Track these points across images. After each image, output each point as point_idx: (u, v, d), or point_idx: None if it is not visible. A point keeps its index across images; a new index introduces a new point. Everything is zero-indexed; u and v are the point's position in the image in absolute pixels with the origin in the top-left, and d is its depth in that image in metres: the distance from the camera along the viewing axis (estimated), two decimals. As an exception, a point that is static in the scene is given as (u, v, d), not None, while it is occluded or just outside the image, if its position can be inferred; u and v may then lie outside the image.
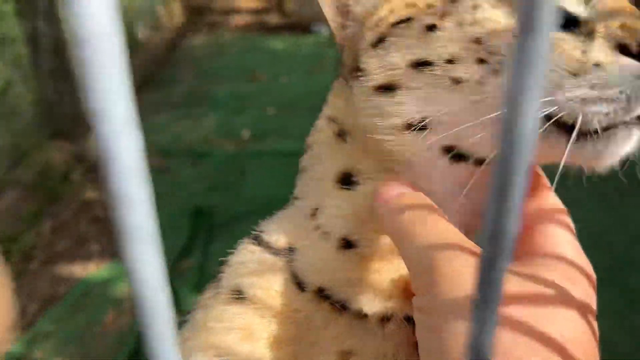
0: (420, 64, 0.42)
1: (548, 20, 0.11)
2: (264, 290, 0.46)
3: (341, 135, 0.49)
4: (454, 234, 0.39)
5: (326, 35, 5.17)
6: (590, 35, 0.39)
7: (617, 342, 1.79)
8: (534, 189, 0.45)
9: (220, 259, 0.56)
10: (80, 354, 1.84)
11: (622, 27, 0.39)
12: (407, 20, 0.44)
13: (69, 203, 2.60)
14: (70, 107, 2.91)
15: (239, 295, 0.47)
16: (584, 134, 0.39)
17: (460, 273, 0.36)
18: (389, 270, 0.45)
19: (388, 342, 0.44)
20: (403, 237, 0.41)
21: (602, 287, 0.46)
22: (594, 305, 0.39)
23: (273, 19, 5.26)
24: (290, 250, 0.48)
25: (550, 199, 0.46)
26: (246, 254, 0.50)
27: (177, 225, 2.39)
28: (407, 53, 0.43)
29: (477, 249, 0.39)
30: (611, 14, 0.38)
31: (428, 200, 0.43)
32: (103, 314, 1.98)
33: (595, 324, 0.38)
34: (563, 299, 0.36)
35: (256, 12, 5.74)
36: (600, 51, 0.38)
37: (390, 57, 0.44)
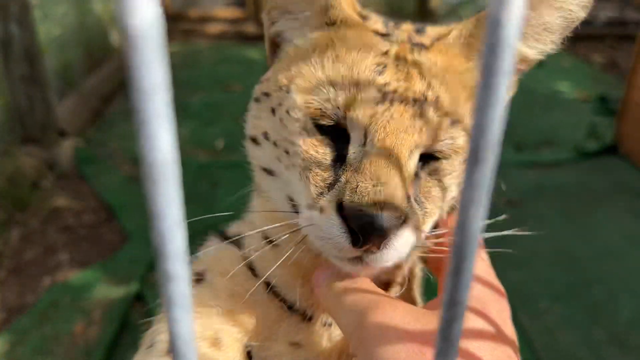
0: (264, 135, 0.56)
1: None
2: (221, 274, 0.54)
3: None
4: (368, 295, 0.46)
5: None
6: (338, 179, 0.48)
7: (580, 356, 1.86)
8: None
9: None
10: (47, 365, 1.82)
11: (353, 188, 0.45)
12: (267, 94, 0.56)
13: (37, 211, 2.56)
14: (41, 114, 2.88)
15: (198, 278, 0.56)
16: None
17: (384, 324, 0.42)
18: None
19: (332, 345, 0.49)
20: (332, 313, 0.49)
21: (566, 301, 0.50)
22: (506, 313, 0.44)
23: (249, 28, 5.28)
24: (240, 238, 0.56)
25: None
26: (209, 245, 0.62)
27: (147, 235, 2.37)
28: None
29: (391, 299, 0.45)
30: (363, 170, 0.45)
31: (347, 281, 0.49)
32: (72, 324, 1.96)
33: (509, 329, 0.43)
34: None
35: (232, 21, 5.75)
36: (327, 200, 0.47)
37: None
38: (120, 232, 2.43)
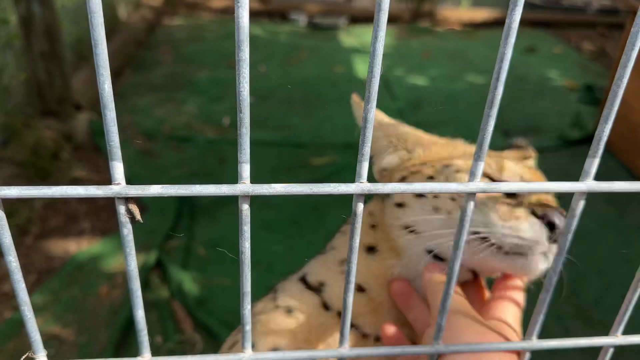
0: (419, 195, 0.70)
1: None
2: (302, 311, 0.70)
3: (373, 225, 0.74)
4: (460, 304, 0.60)
5: (303, 25, 5.35)
6: (519, 203, 0.64)
7: (549, 328, 2.11)
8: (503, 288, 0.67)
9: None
10: (77, 322, 2.05)
11: (537, 200, 0.65)
12: (417, 172, 0.71)
13: (58, 181, 2.76)
14: (59, 88, 3.05)
15: (289, 310, 0.71)
16: (506, 252, 0.64)
17: (460, 328, 0.56)
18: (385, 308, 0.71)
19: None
20: (431, 301, 0.63)
21: (557, 301, 0.71)
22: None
23: (252, 4, 5.39)
24: (321, 285, 0.72)
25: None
26: (294, 288, 0.74)
27: (163, 208, 2.59)
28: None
29: (474, 313, 0.60)
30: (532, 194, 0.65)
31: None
32: (97, 286, 2.19)
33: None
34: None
35: (235, -6, 5.84)
36: (521, 212, 0.63)
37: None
38: (137, 202, 2.63)
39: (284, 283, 0.75)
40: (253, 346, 0.63)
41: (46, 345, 0.37)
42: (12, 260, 0.34)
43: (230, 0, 5.58)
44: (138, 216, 0.32)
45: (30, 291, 2.17)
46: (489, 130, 0.32)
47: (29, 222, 2.48)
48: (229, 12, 5.50)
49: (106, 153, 3.00)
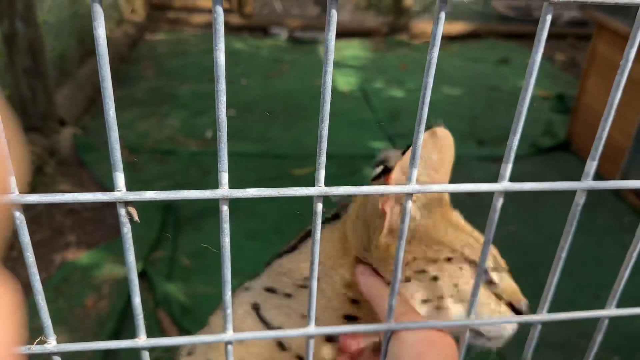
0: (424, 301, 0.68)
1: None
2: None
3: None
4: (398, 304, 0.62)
5: (284, 39, 5.45)
6: (498, 295, 0.70)
7: (523, 328, 2.19)
8: None
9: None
10: (63, 333, 2.09)
11: (511, 291, 0.71)
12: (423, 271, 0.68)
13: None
14: (43, 104, 3.09)
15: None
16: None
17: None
18: None
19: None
20: (371, 298, 0.64)
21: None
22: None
23: (233, 19, 5.48)
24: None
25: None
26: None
27: (148, 219, 2.64)
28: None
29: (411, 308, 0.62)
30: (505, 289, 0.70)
31: (376, 277, 0.66)
32: (83, 298, 2.23)
33: None
34: None
35: (216, 9, 5.92)
36: (503, 308, 0.69)
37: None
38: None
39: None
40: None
41: (31, 358, 0.44)
42: (30, 257, 0.41)
43: (212, 15, 5.66)
44: (136, 217, 0.39)
45: (17, 304, 2.20)
46: (419, 144, 0.39)
47: (15, 235, 2.51)
48: (211, 27, 5.58)
49: (90, 167, 3.04)
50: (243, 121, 3.67)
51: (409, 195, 0.42)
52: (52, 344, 0.44)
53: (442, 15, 0.35)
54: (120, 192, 0.38)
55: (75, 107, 3.52)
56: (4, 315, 0.25)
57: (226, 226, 0.41)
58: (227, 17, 5.48)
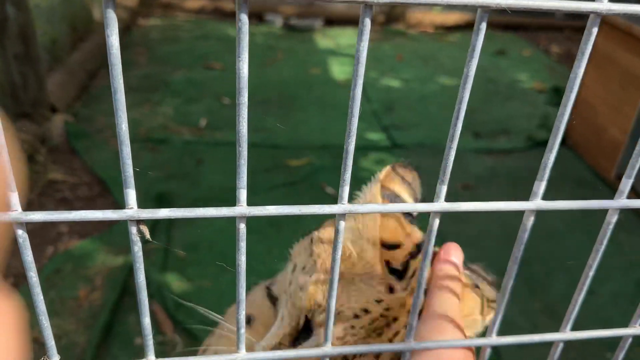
0: None
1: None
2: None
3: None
4: (452, 312, 0.57)
5: (279, 26, 5.39)
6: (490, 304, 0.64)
7: (518, 323, 2.20)
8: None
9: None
10: (56, 325, 2.06)
11: (493, 297, 0.65)
12: None
13: (34, 184, 2.75)
14: (34, 91, 3.03)
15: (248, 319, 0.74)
16: None
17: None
18: None
19: None
20: (427, 304, 0.58)
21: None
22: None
23: (227, 5, 5.41)
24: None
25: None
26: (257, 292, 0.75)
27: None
28: None
29: (459, 324, 0.58)
30: None
31: (452, 288, 0.62)
32: (76, 289, 2.20)
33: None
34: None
35: (210, -5, 5.86)
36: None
37: None
38: (114, 205, 2.65)
39: None
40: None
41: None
42: (33, 276, 0.38)
43: (206, 0, 5.58)
44: (147, 235, 0.37)
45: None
46: (452, 156, 0.37)
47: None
48: (205, 13, 5.50)
49: (82, 155, 3.00)
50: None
51: (436, 214, 0.39)
52: (55, 365, 0.41)
53: (483, 25, 0.33)
54: (132, 209, 0.35)
55: (67, 94, 3.46)
56: (8, 333, 0.25)
57: (243, 244, 0.39)
58: (220, 3, 5.41)
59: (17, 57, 2.92)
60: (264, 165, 3.04)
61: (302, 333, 0.61)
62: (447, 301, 0.59)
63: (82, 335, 2.00)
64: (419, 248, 0.64)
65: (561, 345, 0.50)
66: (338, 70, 4.41)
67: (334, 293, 0.41)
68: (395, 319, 0.58)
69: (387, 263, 0.62)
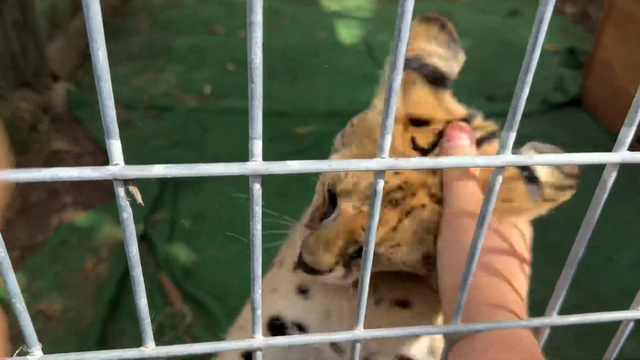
0: None
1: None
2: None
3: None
4: (473, 205, 0.55)
5: (284, -10, 5.22)
6: None
7: (534, 291, 2.13)
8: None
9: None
10: (62, 298, 2.02)
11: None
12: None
13: (38, 154, 2.69)
14: (34, 58, 2.94)
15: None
16: None
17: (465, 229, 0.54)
18: None
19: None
20: (446, 200, 0.57)
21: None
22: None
23: (230, -32, 5.23)
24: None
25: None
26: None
27: (146, 179, 2.53)
28: None
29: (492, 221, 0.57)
30: None
31: (468, 172, 0.58)
32: (82, 262, 2.15)
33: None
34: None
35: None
36: None
37: None
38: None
39: None
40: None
41: (32, 321, 0.35)
42: (1, 251, 0.31)
43: (207, -36, 5.40)
44: (139, 199, 0.29)
45: (14, 268, 2.12)
46: (523, 96, 0.29)
47: (10, 197, 2.41)
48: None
49: (85, 124, 2.92)
50: (242, 77, 3.52)
51: (500, 169, 0.31)
52: (36, 356, 0.34)
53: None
54: (117, 166, 0.28)
55: (68, 62, 3.37)
56: None
57: (258, 209, 0.31)
58: (224, -33, 5.24)
59: (16, 24, 2.82)
60: (270, 133, 2.95)
61: (329, 207, 0.61)
62: (465, 193, 0.54)
63: (89, 308, 1.96)
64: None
65: (631, 324, 0.43)
66: (345, 33, 4.28)
67: (369, 265, 0.34)
68: (413, 195, 0.57)
69: (413, 140, 0.59)
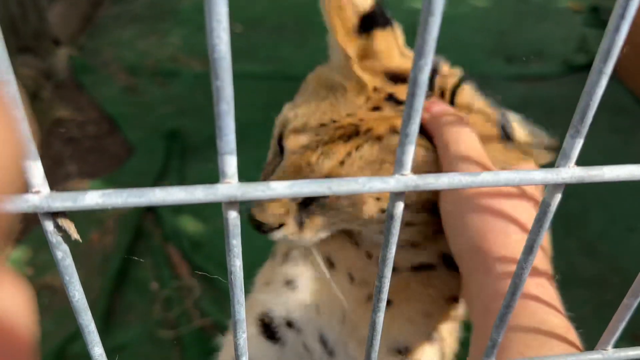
0: None
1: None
2: None
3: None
4: (475, 150, 0.52)
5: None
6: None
7: (553, 263, 2.06)
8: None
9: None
10: (69, 270, 1.98)
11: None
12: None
13: (41, 122, 2.62)
14: (34, 22, 2.84)
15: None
16: None
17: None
18: None
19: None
20: (442, 147, 0.54)
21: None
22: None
23: None
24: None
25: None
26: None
27: (151, 147, 2.47)
28: None
29: (489, 165, 0.53)
30: None
31: (460, 115, 0.56)
32: (87, 233, 2.11)
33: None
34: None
35: None
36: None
37: None
38: (124, 143, 2.52)
39: None
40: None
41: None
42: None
43: None
44: (75, 234, 0.22)
45: (20, 240, 2.09)
46: (598, 92, 0.21)
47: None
48: None
49: (89, 90, 2.85)
50: (250, 38, 3.40)
51: (559, 186, 0.23)
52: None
53: None
54: (38, 194, 0.20)
55: (70, 26, 3.26)
56: (22, 315, 0.22)
57: (235, 242, 0.23)
58: None
59: (13, -15, 2.72)
60: (279, 99, 2.84)
61: (280, 159, 0.60)
62: (460, 135, 0.52)
63: (96, 280, 1.92)
64: (432, 84, 0.60)
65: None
66: (357, -8, 4.11)
67: (381, 313, 0.26)
68: (368, 130, 0.54)
69: (390, 96, 0.57)
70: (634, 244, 2.17)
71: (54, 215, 0.21)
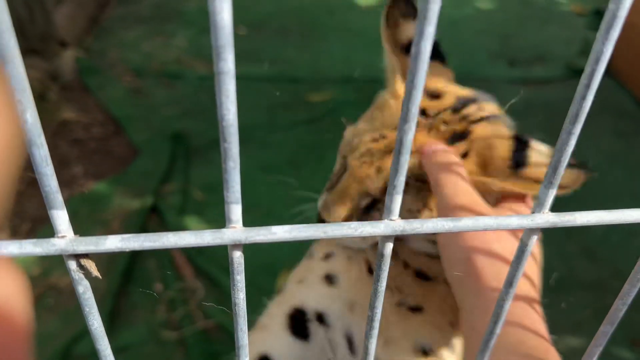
0: None
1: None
2: None
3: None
4: (466, 195, 0.55)
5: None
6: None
7: (554, 266, 2.08)
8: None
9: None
10: (74, 270, 2.01)
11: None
12: None
13: (47, 124, 2.65)
14: (41, 24, 2.87)
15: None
16: None
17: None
18: None
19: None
20: (435, 186, 0.58)
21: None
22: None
23: None
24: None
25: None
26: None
27: (156, 149, 2.50)
28: None
29: (484, 209, 0.56)
30: None
31: (455, 158, 0.60)
32: (93, 233, 2.13)
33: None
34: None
35: None
36: None
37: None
38: (129, 145, 2.55)
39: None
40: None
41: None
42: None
43: None
44: (95, 272, 0.24)
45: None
46: (568, 150, 0.23)
47: (20, 168, 2.39)
48: None
49: (95, 92, 2.88)
50: (254, 41, 3.43)
51: (533, 230, 0.26)
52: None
53: None
54: (64, 239, 0.23)
55: (76, 27, 3.29)
56: (17, 302, 0.23)
57: (240, 278, 0.26)
58: None
59: (20, -12, 2.75)
60: (282, 100, 2.88)
61: (343, 171, 0.67)
62: (452, 186, 0.55)
63: (101, 281, 1.95)
64: (463, 103, 0.66)
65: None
66: (361, -6, 4.13)
67: (374, 340, 0.29)
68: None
69: (423, 111, 0.64)
70: (634, 248, 2.19)
71: (77, 256, 0.24)
